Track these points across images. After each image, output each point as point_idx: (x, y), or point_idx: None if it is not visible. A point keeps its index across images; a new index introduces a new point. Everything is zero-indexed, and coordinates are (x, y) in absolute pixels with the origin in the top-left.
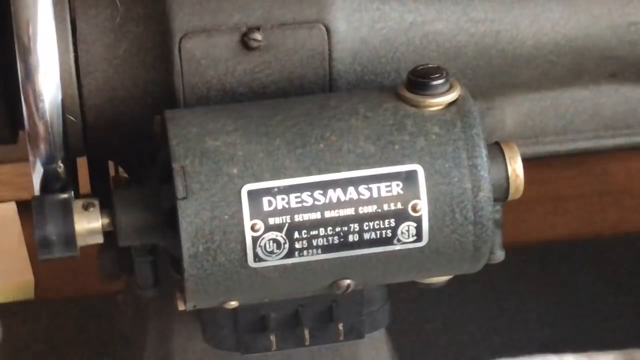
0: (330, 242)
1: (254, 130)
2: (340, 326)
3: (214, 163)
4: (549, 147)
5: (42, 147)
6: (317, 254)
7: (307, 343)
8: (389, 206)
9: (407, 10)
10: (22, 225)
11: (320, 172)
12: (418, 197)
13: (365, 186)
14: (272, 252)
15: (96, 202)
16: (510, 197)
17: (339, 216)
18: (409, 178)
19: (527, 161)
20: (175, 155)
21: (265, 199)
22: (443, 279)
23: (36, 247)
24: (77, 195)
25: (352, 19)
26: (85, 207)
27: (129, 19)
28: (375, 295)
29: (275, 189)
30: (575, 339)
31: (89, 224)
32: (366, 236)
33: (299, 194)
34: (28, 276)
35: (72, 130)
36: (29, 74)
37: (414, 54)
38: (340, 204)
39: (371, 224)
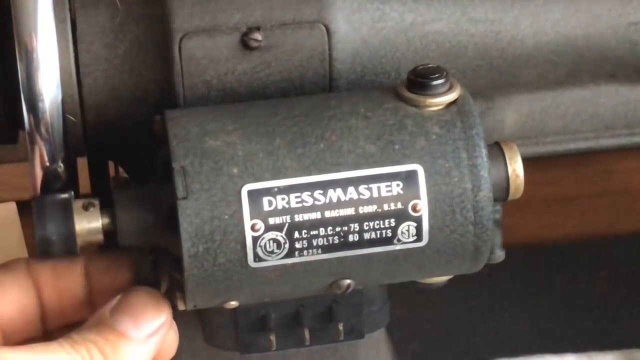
0: (331, 242)
1: (254, 130)
2: (340, 326)
3: (214, 163)
4: (549, 147)
5: (42, 147)
6: (317, 253)
7: (307, 343)
8: (389, 206)
9: (407, 10)
10: (22, 225)
11: (320, 172)
12: (418, 197)
13: (365, 186)
14: (272, 252)
15: (96, 202)
16: (510, 197)
17: (339, 216)
18: (409, 178)
19: (527, 161)
20: (175, 155)
21: (265, 199)
22: (443, 279)
23: (36, 247)
24: (77, 195)
25: (352, 19)
26: (85, 207)
27: (129, 19)
28: (375, 295)
29: (276, 189)
30: (575, 339)
31: (89, 224)
32: (366, 236)
33: (299, 194)
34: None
35: (72, 130)
36: (29, 74)
37: (414, 54)
38: (340, 204)
39: (371, 223)
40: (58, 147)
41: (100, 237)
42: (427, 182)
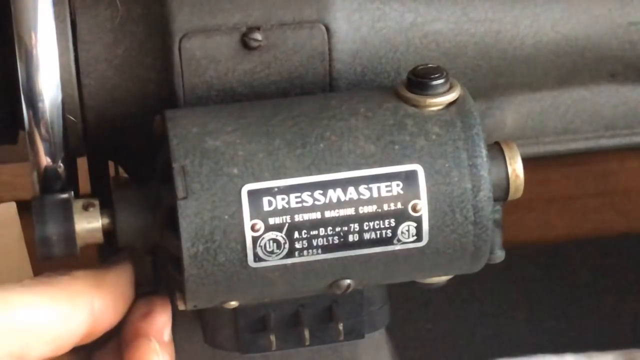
0: (331, 242)
1: (254, 130)
2: (340, 326)
3: (214, 163)
4: (549, 147)
5: (42, 147)
6: (317, 254)
7: (307, 343)
8: (389, 206)
9: (407, 10)
10: (22, 225)
11: (320, 172)
12: (418, 197)
13: (365, 186)
14: (272, 252)
15: (96, 202)
16: (510, 197)
17: (339, 216)
18: (409, 178)
19: (527, 161)
20: (175, 155)
21: (265, 199)
22: (443, 279)
23: (36, 247)
24: (77, 195)
25: (352, 19)
26: (85, 207)
27: (129, 19)
28: (375, 295)
29: (275, 189)
30: (575, 339)
31: (89, 224)
32: (366, 236)
33: (299, 194)
34: (28, 276)
35: (72, 130)
36: (29, 74)
37: (414, 54)
38: (340, 204)
39: (371, 224)
40: (58, 147)
41: (100, 237)
42: (427, 182)
